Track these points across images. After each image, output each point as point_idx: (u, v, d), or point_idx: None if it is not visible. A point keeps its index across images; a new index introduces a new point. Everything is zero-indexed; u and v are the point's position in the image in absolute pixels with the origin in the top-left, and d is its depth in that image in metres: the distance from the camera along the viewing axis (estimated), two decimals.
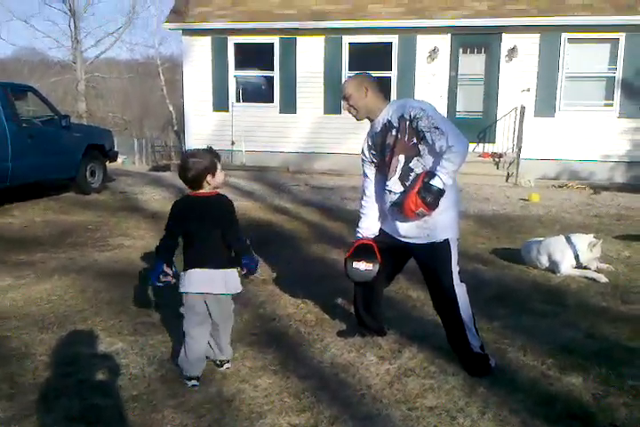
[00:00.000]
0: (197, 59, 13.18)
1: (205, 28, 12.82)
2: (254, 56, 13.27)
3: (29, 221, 6.95)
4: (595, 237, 5.17)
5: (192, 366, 2.97)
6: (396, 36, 12.27)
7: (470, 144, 3.12)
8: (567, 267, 5.03)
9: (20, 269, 4.92)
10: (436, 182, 2.95)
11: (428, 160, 3.06)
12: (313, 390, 2.94)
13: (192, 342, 2.96)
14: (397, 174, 3.14)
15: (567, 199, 9.41)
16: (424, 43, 12.23)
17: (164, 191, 9.27)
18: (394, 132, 3.11)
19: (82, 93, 28.16)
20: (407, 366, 3.22)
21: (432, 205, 2.97)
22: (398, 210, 3.15)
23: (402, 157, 3.11)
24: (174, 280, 2.92)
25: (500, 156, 11.72)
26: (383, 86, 3.53)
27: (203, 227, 2.91)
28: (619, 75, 11.68)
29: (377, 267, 3.30)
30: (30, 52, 34.05)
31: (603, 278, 4.86)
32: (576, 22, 11.43)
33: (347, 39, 12.49)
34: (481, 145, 12.10)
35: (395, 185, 3.16)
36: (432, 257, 3.20)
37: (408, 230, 3.19)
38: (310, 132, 12.81)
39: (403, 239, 3.24)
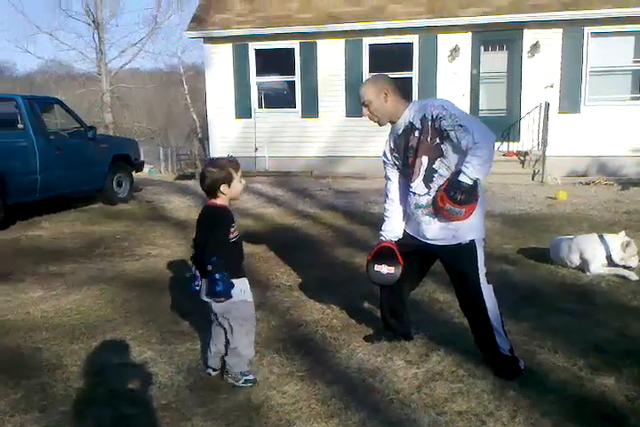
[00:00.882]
0: (219, 66, 13.30)
1: (226, 35, 12.95)
2: (275, 61, 13.35)
3: (58, 232, 7.06)
4: (627, 234, 5.07)
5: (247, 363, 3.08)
6: (416, 35, 12.23)
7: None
8: (598, 266, 4.94)
9: (51, 281, 5.01)
10: (461, 178, 2.90)
11: (453, 160, 3.02)
12: (341, 395, 2.93)
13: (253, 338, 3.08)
14: (421, 176, 3.10)
15: (595, 196, 9.26)
16: (444, 41, 12.18)
17: (190, 200, 9.37)
18: (416, 134, 3.08)
19: (107, 104, 28.54)
20: (435, 370, 3.20)
21: (462, 202, 2.92)
22: (422, 212, 3.13)
23: (425, 159, 3.07)
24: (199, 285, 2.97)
25: (526, 154, 11.59)
26: (402, 87, 3.50)
27: (198, 236, 2.98)
28: None
29: (399, 270, 3.27)
30: (56, 64, 34.65)
31: (634, 276, 4.77)
32: (599, 15, 11.27)
33: (366, 41, 12.50)
34: (505, 144, 11.97)
35: (419, 187, 3.13)
36: (458, 259, 3.16)
37: (433, 232, 3.15)
38: (333, 135, 12.83)
39: (428, 241, 3.21)
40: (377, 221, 3.70)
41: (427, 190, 3.10)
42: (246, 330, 3.03)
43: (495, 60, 12.29)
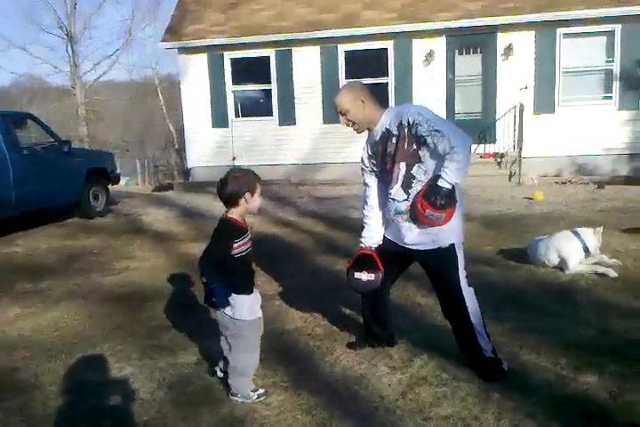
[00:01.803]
0: (194, 76, 13.26)
1: (201, 45, 12.91)
2: (251, 70, 13.32)
3: (34, 248, 6.95)
4: (604, 231, 5.14)
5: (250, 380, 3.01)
6: (391, 41, 12.30)
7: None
8: (576, 263, 4.98)
9: (28, 298, 4.92)
10: (440, 183, 2.92)
11: (430, 165, 3.03)
12: (325, 404, 2.91)
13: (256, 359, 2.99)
14: (400, 182, 3.11)
15: (572, 195, 9.36)
16: (419, 46, 12.26)
17: (168, 211, 9.29)
18: (394, 141, 3.08)
19: (82, 117, 28.33)
20: (419, 374, 3.18)
21: (441, 206, 2.93)
22: (402, 218, 3.13)
23: (403, 165, 3.08)
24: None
25: (502, 155, 11.69)
26: (378, 92, 3.51)
27: None
28: (616, 67, 11.65)
29: (379, 277, 3.27)
30: (29, 79, 34.38)
31: (612, 273, 4.81)
32: (570, 17, 11.44)
33: (342, 48, 12.54)
34: (482, 145, 12.07)
35: (398, 193, 3.13)
36: (438, 263, 3.17)
37: (413, 237, 3.15)
38: (311, 142, 12.84)
39: (408, 246, 3.21)
40: (357, 227, 3.69)
41: (406, 196, 3.10)
42: (246, 349, 2.95)
43: (470, 64, 12.39)
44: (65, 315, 4.45)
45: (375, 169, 3.29)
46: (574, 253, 5.00)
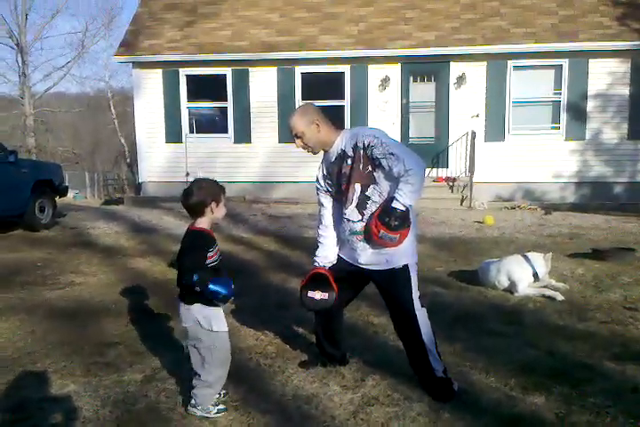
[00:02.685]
0: (149, 91, 13.12)
1: (156, 60, 12.81)
2: (207, 87, 13.30)
3: None
4: (552, 257, 5.28)
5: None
6: (348, 65, 12.49)
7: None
8: (525, 286, 5.09)
9: None
10: (394, 204, 2.96)
11: (385, 187, 3.07)
12: (275, 424, 2.86)
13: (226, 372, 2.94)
14: (355, 203, 3.13)
15: (520, 220, 9.60)
16: (375, 72, 12.49)
17: (117, 226, 9.07)
18: (349, 162, 3.11)
19: (30, 128, 27.60)
20: (371, 394, 3.17)
21: (395, 228, 2.96)
22: (357, 238, 3.14)
23: (358, 186, 3.10)
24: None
25: (454, 180, 11.94)
26: (334, 114, 3.54)
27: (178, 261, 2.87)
28: (564, 99, 12.12)
29: (333, 296, 3.26)
30: None
31: (559, 296, 4.93)
32: (520, 50, 11.88)
33: (299, 69, 12.65)
34: (435, 170, 12.32)
35: (353, 214, 3.15)
36: (392, 283, 3.18)
37: (367, 258, 3.17)
38: (266, 161, 12.83)
39: (362, 266, 3.22)
40: (311, 246, 3.69)
41: (360, 217, 3.12)
42: (221, 362, 2.91)
43: (424, 91, 12.69)
44: (6, 330, 4.26)
45: (330, 189, 3.30)
46: (524, 276, 5.11)
